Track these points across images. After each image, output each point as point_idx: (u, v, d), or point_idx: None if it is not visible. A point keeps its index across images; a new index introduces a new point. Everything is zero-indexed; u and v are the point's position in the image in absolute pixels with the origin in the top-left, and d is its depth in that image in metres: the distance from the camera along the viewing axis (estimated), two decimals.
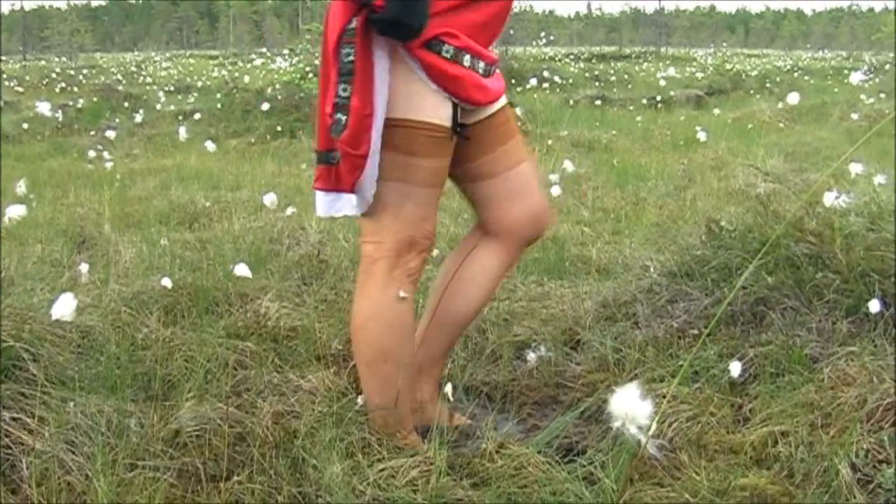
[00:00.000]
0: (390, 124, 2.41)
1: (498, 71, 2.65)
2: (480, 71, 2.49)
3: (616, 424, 1.44)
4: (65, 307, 2.37)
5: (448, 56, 2.40)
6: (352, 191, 2.44)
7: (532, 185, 2.77)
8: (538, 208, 2.77)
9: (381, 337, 2.56)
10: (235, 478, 2.43)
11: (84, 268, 3.92)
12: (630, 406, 1.42)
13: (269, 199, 4.29)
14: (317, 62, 15.79)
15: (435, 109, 2.45)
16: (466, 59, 2.44)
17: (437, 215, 2.61)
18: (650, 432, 1.46)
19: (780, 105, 13.89)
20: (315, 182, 2.55)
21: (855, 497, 2.32)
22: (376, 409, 2.61)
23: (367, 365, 2.59)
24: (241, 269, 3.39)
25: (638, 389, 1.43)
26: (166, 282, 3.54)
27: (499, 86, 2.63)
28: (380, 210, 2.50)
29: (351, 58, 2.32)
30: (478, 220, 2.81)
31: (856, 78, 3.54)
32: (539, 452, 2.53)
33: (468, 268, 2.79)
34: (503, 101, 2.70)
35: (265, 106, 11.85)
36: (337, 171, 2.45)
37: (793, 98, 5.10)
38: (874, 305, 3.02)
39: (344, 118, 2.35)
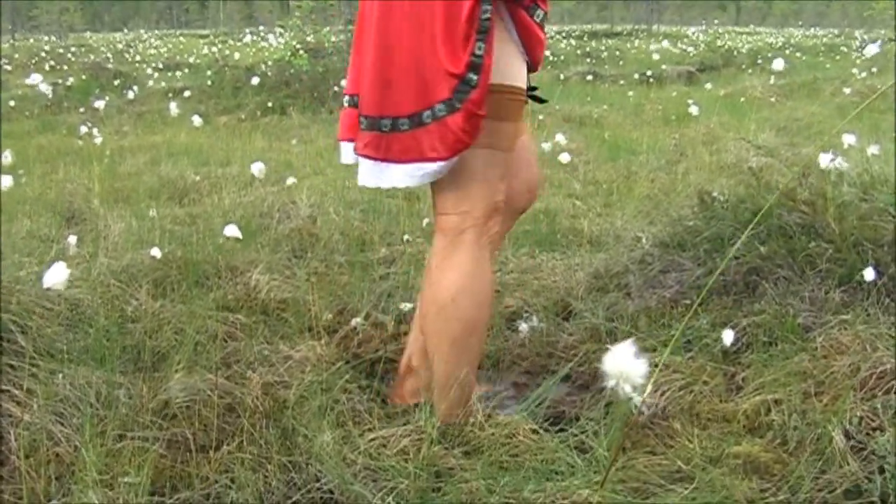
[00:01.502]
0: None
1: None
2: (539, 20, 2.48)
3: (610, 384, 1.40)
4: (57, 276, 2.35)
5: (538, 20, 2.41)
6: (448, 158, 2.32)
7: (532, 158, 2.77)
8: (535, 178, 2.78)
9: (471, 310, 2.48)
10: (225, 448, 2.41)
11: (73, 240, 3.89)
12: (624, 365, 1.39)
13: (258, 167, 4.26)
14: (308, 38, 15.75)
15: (521, 72, 2.44)
16: (541, 16, 2.44)
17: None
18: (644, 392, 1.42)
19: (773, 80, 13.86)
20: (364, 147, 2.44)
21: (848, 464, 2.31)
22: (455, 383, 2.50)
23: (453, 340, 2.49)
24: (231, 230, 3.36)
25: (632, 348, 1.39)
26: (155, 251, 3.51)
27: None
28: (467, 179, 2.42)
29: (488, 16, 2.27)
30: None
31: (871, 50, 3.51)
32: (528, 419, 2.53)
33: None
34: None
35: (254, 81, 11.81)
36: (388, 139, 2.37)
37: (777, 64, 5.06)
38: (868, 274, 3.01)
39: (476, 77, 2.27)
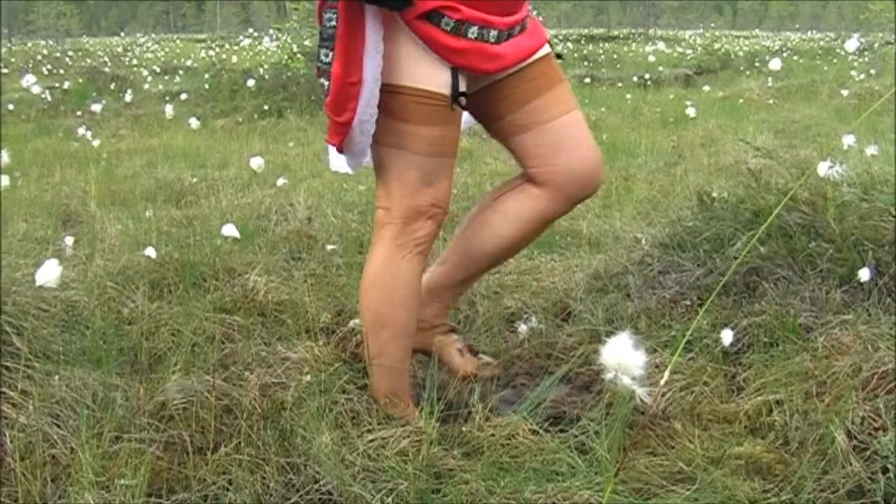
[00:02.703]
0: (386, 89, 2.38)
1: (534, 22, 2.60)
2: (492, 40, 2.41)
3: (608, 376, 1.37)
4: (49, 273, 2.33)
5: (448, 29, 2.34)
6: (341, 151, 2.46)
7: (578, 138, 2.67)
8: (585, 162, 2.68)
9: (378, 303, 2.55)
10: (223, 449, 2.39)
11: (69, 241, 3.87)
12: (623, 356, 1.36)
13: (256, 162, 4.27)
14: (306, 42, 15.75)
15: (431, 76, 2.39)
16: (472, 31, 2.37)
17: (449, 184, 2.55)
18: (643, 383, 1.39)
19: (770, 83, 13.87)
20: (327, 136, 2.53)
21: (851, 464, 2.30)
22: (377, 364, 2.59)
23: (368, 328, 2.59)
24: (229, 230, 3.34)
25: (630, 339, 1.36)
26: (150, 251, 3.49)
27: (525, 45, 2.54)
28: (384, 175, 2.50)
29: (333, 23, 2.30)
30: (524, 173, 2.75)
31: (851, 45, 3.50)
32: (528, 420, 2.51)
33: (503, 201, 2.74)
34: (542, 51, 2.61)
35: (250, 82, 11.82)
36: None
37: (774, 64, 5.01)
38: (863, 274, 2.99)
39: (327, 83, 2.36)
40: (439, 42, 2.35)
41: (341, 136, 2.41)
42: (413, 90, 2.39)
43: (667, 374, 1.49)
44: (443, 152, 2.48)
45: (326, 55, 2.33)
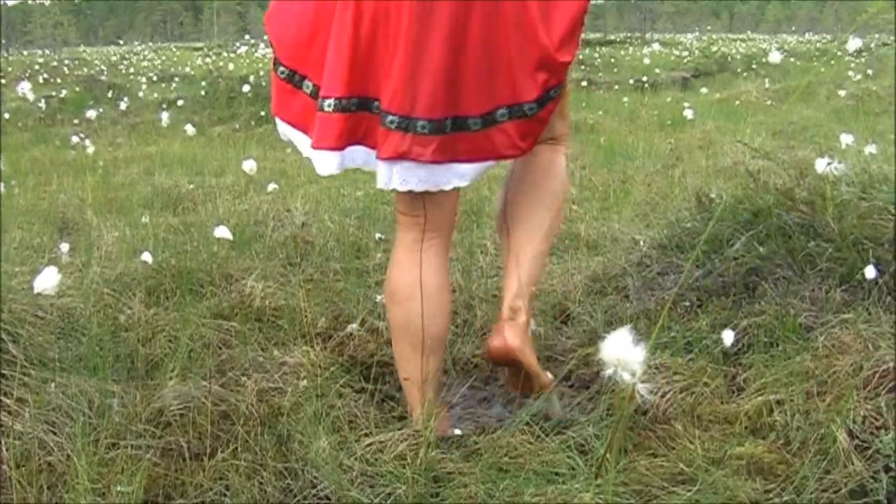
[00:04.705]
0: None
1: None
2: None
3: (608, 371, 1.36)
4: (47, 280, 2.32)
5: None
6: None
7: None
8: None
9: None
10: (220, 455, 2.37)
11: (64, 248, 3.86)
12: (622, 352, 1.34)
13: (249, 165, 4.26)
14: None
15: None
16: None
17: None
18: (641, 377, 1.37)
19: (767, 85, 13.88)
20: (432, 153, 2.24)
21: (853, 463, 2.28)
22: None
23: None
24: (221, 231, 3.33)
25: (630, 335, 1.35)
26: (147, 257, 3.48)
27: None
28: None
29: None
30: None
31: (852, 45, 3.50)
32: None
33: None
34: None
35: (246, 88, 11.83)
36: (453, 139, 2.23)
37: (774, 57, 4.97)
38: (869, 272, 2.97)
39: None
40: None
41: None
42: None
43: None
44: None
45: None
